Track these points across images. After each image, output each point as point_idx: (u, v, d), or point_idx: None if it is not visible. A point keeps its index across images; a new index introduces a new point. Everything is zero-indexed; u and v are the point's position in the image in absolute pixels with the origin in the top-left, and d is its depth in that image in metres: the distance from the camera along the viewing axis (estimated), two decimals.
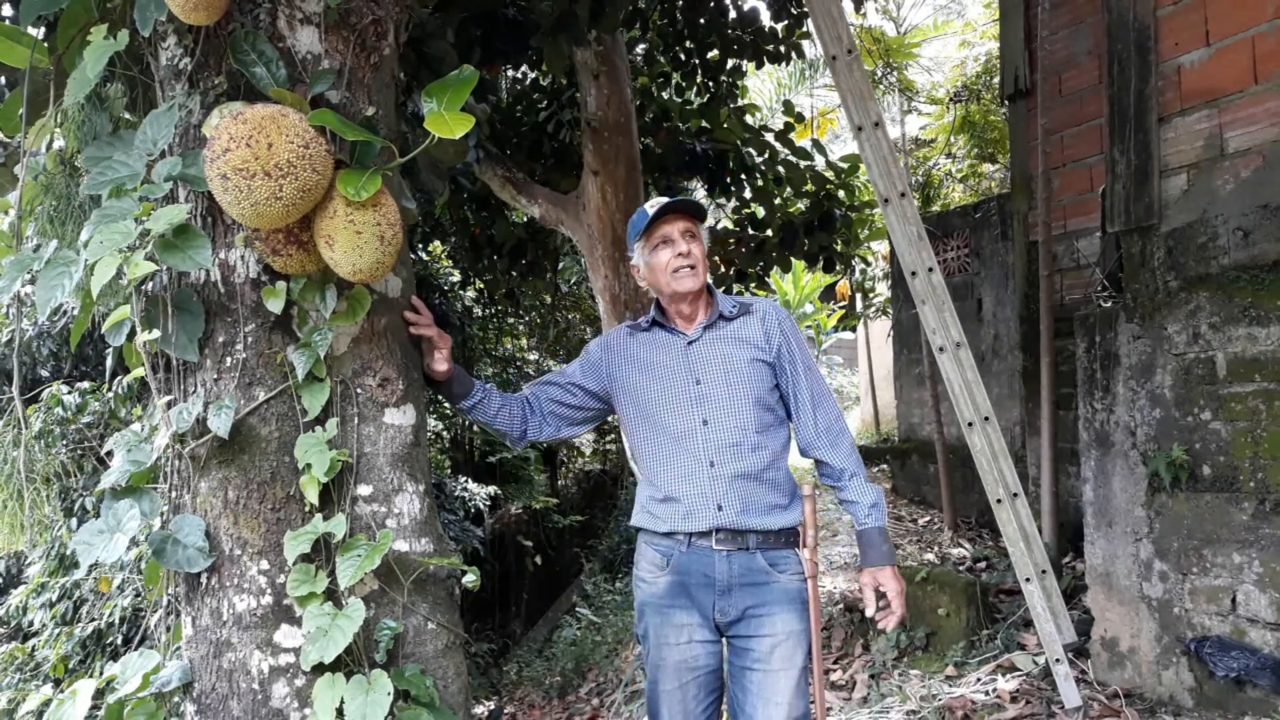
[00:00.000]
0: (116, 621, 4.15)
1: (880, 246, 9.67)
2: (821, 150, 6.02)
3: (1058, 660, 3.28)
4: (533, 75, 5.99)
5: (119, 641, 4.15)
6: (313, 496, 1.75)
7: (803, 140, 6.16)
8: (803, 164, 5.94)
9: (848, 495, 2.13)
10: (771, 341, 2.14)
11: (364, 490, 1.84)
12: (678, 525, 2.06)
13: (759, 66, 5.97)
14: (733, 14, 5.62)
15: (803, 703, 2.04)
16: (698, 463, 2.05)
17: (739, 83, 6.26)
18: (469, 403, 2.15)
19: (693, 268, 2.10)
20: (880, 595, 2.09)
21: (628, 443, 2.31)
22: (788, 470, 2.16)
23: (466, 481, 7.55)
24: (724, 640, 2.13)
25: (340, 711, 1.66)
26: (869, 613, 2.10)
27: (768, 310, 2.18)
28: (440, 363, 2.03)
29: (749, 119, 6.13)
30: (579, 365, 2.28)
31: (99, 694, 1.83)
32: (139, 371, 1.75)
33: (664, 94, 6.17)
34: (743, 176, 5.98)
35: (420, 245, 7.13)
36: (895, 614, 2.07)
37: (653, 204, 2.14)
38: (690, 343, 2.14)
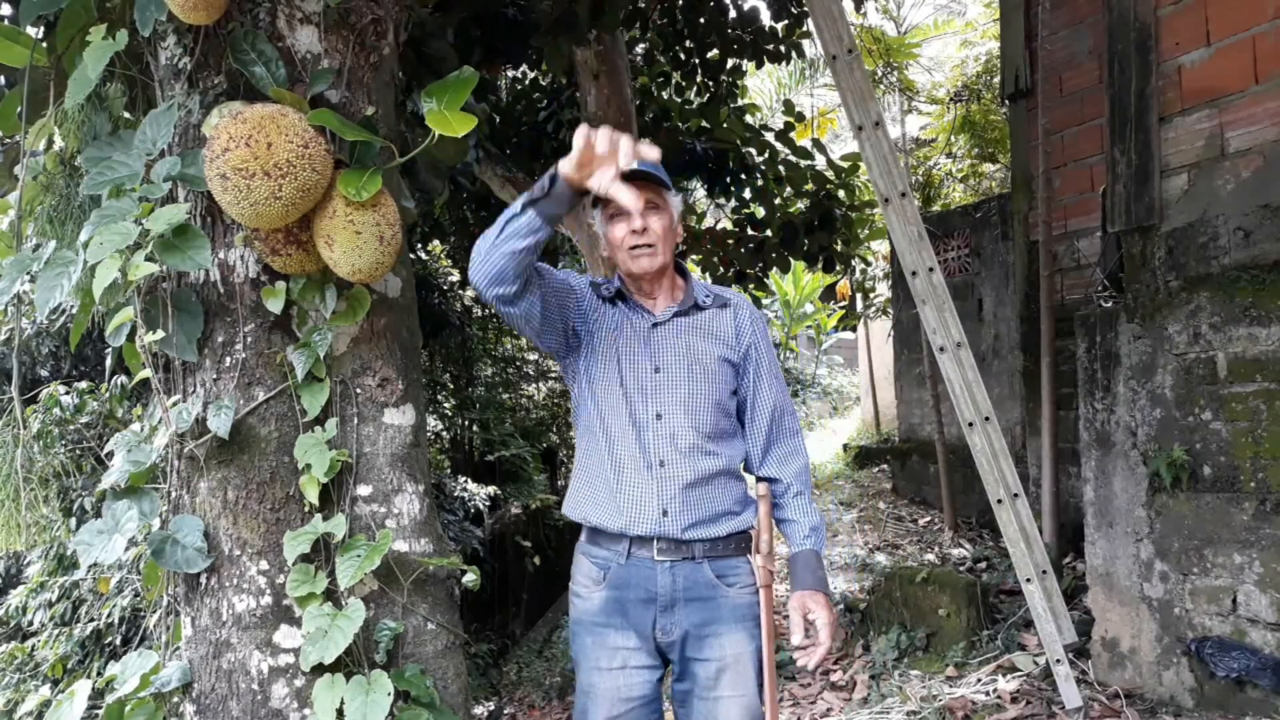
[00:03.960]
0: (116, 622, 4.14)
1: (880, 246, 9.66)
2: (822, 150, 6.01)
3: (1058, 660, 3.28)
4: (533, 75, 5.99)
5: (118, 642, 4.14)
6: (312, 496, 1.75)
7: (803, 140, 6.16)
8: (803, 163, 5.94)
9: (787, 513, 1.92)
10: (741, 340, 1.93)
11: (364, 490, 1.84)
12: (618, 523, 1.83)
13: (759, 66, 5.97)
14: (733, 14, 5.62)
15: None
16: (646, 460, 1.82)
17: (739, 82, 6.26)
18: (538, 238, 1.65)
19: (651, 246, 1.82)
20: (809, 624, 1.85)
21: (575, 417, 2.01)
22: (743, 481, 1.94)
23: (466, 481, 7.52)
24: (666, 666, 1.91)
25: (340, 712, 1.65)
26: (794, 642, 1.85)
27: (741, 305, 1.97)
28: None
29: (749, 119, 6.13)
30: (575, 287, 1.90)
31: (98, 694, 1.83)
32: (143, 374, 1.75)
33: (664, 94, 6.17)
34: (743, 176, 5.97)
35: (420, 245, 7.13)
36: (822, 646, 1.81)
37: None
38: (655, 325, 1.89)
